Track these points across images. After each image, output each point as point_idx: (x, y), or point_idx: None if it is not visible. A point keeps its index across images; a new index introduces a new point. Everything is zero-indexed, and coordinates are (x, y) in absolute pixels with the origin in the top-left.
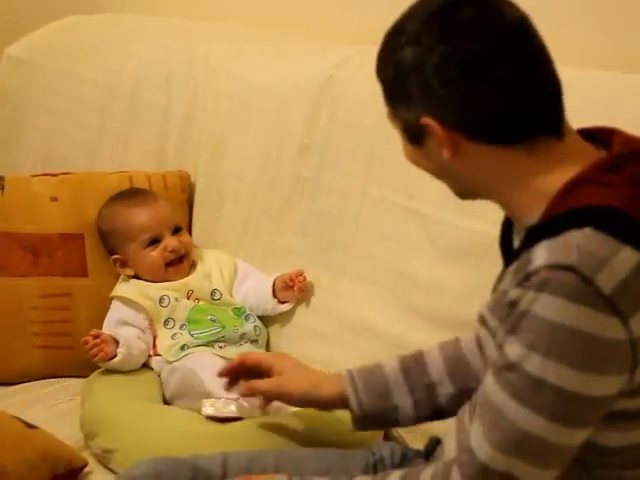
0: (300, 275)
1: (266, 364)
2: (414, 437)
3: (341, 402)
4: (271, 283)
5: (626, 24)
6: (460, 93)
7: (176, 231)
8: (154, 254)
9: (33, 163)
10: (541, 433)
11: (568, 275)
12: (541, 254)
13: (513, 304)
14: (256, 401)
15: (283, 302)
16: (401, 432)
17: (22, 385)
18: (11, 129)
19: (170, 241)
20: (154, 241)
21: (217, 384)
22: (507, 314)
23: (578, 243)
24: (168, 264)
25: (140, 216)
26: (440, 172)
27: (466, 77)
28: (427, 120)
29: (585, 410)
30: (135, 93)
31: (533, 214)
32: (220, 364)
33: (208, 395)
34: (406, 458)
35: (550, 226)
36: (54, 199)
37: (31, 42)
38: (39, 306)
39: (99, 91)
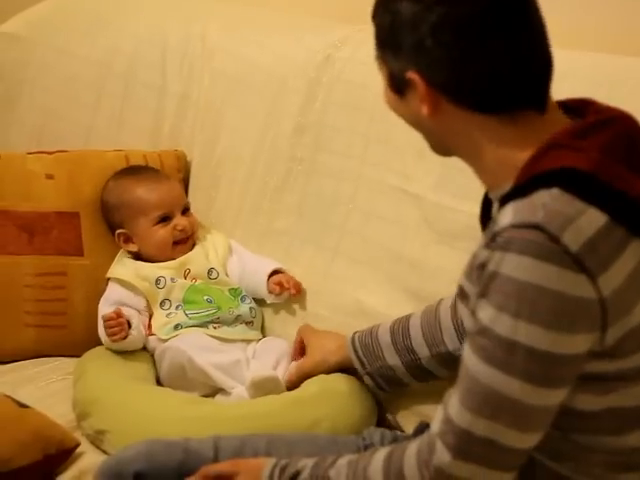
0: (287, 281)
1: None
2: (408, 421)
3: (348, 363)
4: (265, 280)
5: (626, 6)
6: (451, 56)
7: (185, 211)
8: (163, 232)
9: (28, 141)
10: (517, 395)
11: (534, 233)
12: (507, 214)
13: (482, 266)
14: None
15: (278, 294)
16: (396, 417)
17: (14, 364)
18: (6, 106)
19: (180, 220)
20: (164, 218)
21: (206, 360)
22: (477, 276)
23: (544, 202)
24: (175, 242)
25: (153, 192)
26: (416, 124)
27: (460, 41)
28: (413, 75)
29: (557, 369)
30: (131, 71)
31: (507, 183)
32: (212, 344)
33: (199, 373)
34: (397, 443)
35: (519, 189)
36: (49, 177)
37: (27, 19)
38: (33, 285)
39: (95, 69)
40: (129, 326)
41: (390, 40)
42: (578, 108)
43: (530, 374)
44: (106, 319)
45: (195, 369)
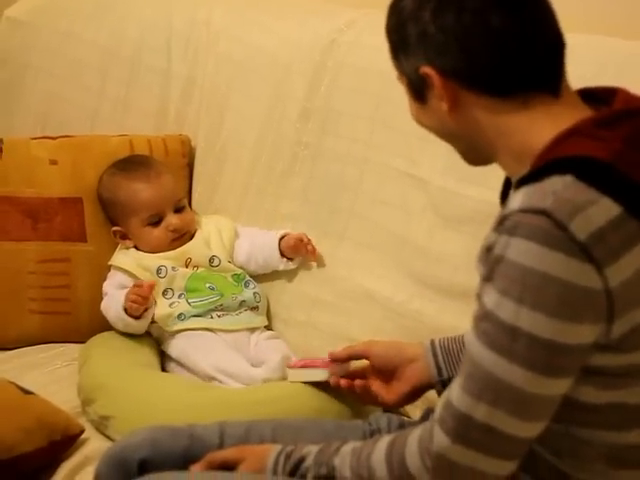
0: (307, 237)
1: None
2: (415, 406)
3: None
4: (276, 241)
5: None
6: (455, 39)
7: (178, 210)
8: (157, 233)
9: (32, 126)
10: (518, 382)
11: (541, 219)
12: (518, 198)
13: (489, 249)
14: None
15: (291, 259)
16: None
17: (18, 350)
18: (10, 91)
19: (172, 219)
20: (155, 219)
21: (209, 364)
22: (485, 260)
23: (555, 189)
24: (172, 240)
25: (142, 193)
26: (442, 130)
27: (462, 22)
28: (426, 69)
29: (560, 359)
30: (136, 55)
31: (525, 168)
32: (219, 346)
33: (202, 376)
34: (403, 429)
35: (534, 173)
36: (53, 162)
37: (31, 4)
38: (37, 271)
39: (99, 53)
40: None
41: (398, 40)
42: (604, 96)
43: (532, 362)
44: (138, 284)
45: (196, 369)
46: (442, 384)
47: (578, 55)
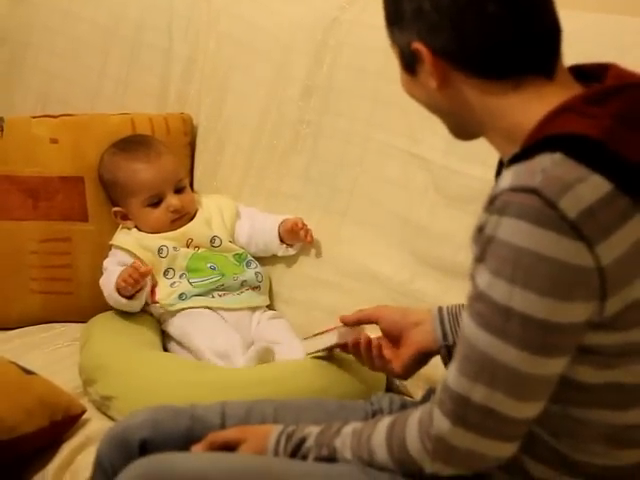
0: (302, 223)
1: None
2: (417, 386)
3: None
4: (276, 228)
5: None
6: (450, 19)
7: (178, 190)
8: (157, 213)
9: (33, 104)
10: (513, 363)
11: (530, 197)
12: (507, 178)
13: (480, 229)
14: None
15: (290, 245)
16: (405, 382)
17: (20, 330)
18: (10, 69)
19: (172, 200)
20: (155, 199)
21: (205, 343)
22: (477, 240)
23: (544, 167)
24: (172, 221)
25: (142, 173)
26: (431, 105)
27: (458, 4)
28: (417, 45)
29: (554, 338)
30: (137, 34)
31: (516, 147)
32: (215, 325)
33: (196, 352)
34: (405, 409)
35: (524, 152)
36: (54, 141)
37: None
38: (38, 251)
39: (100, 32)
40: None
41: (393, 12)
42: (596, 73)
43: (526, 341)
44: (136, 265)
45: (194, 350)
46: (447, 349)
47: (579, 34)
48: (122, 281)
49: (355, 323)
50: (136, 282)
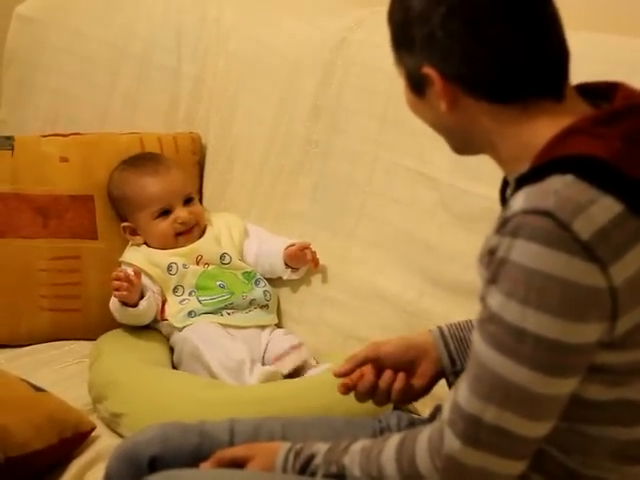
0: (308, 247)
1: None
2: (424, 404)
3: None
4: (282, 252)
5: None
6: (462, 46)
7: (187, 201)
8: (164, 225)
9: (43, 123)
10: (525, 383)
11: (543, 220)
12: (519, 200)
13: (492, 252)
14: None
15: (295, 269)
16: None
17: (30, 347)
18: (20, 89)
19: (180, 212)
20: (164, 212)
21: (213, 356)
22: (488, 262)
23: (557, 189)
24: (178, 234)
25: (151, 186)
26: (437, 124)
27: (469, 31)
28: (428, 70)
29: (567, 358)
30: (146, 54)
31: (522, 166)
32: (223, 339)
33: (206, 367)
34: (413, 426)
35: (534, 173)
36: (64, 160)
37: (42, 1)
38: (48, 268)
39: (110, 51)
40: (141, 297)
41: (404, 37)
42: (605, 91)
43: (539, 362)
44: (119, 270)
45: (203, 364)
46: (455, 375)
47: (589, 55)
48: (115, 290)
49: (352, 372)
50: (129, 282)
